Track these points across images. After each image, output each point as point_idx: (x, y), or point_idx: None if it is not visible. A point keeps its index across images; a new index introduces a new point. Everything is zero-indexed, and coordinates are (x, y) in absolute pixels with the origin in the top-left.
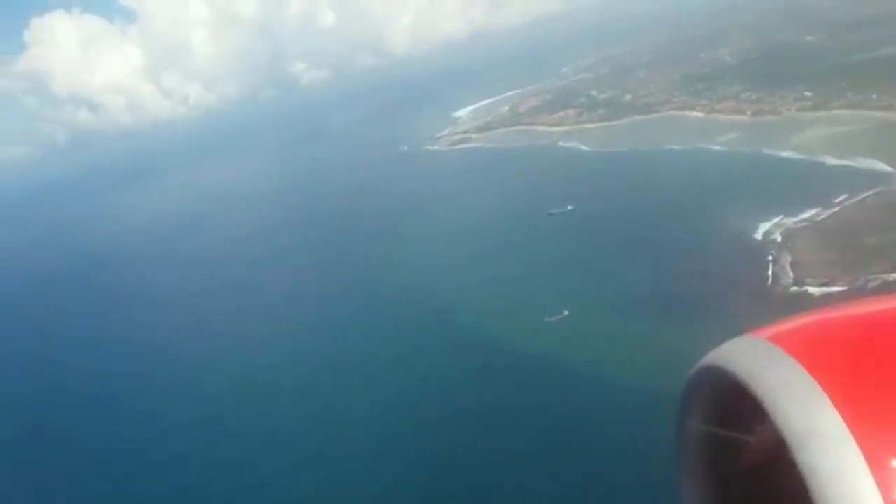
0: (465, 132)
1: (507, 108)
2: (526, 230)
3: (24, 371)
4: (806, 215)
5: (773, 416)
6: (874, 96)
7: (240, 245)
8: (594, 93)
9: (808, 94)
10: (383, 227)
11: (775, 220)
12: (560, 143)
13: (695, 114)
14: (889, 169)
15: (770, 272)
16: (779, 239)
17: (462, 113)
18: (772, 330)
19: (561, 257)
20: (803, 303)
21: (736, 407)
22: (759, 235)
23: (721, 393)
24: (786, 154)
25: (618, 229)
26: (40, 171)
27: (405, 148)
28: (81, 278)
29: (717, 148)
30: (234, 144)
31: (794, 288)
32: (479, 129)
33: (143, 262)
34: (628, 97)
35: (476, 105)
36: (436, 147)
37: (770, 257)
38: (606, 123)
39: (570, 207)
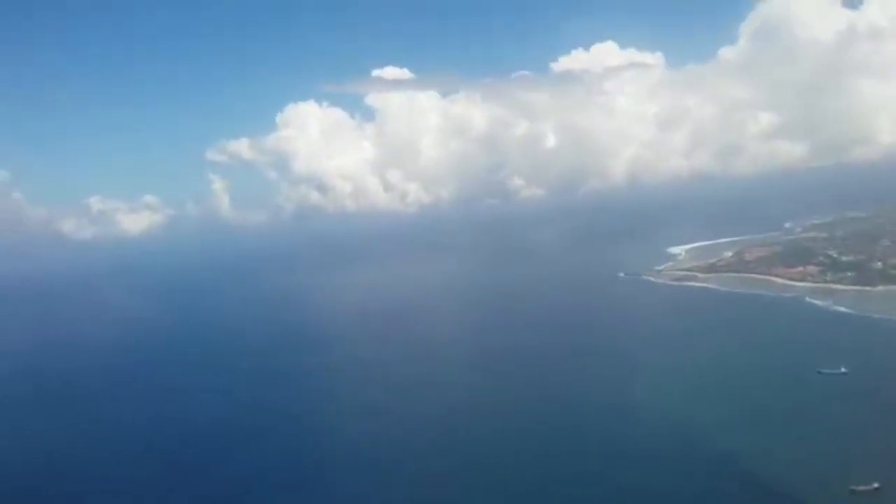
0: (689, 270)
1: (730, 253)
2: (796, 386)
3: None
4: None
5: None
6: None
7: (459, 346)
8: (833, 253)
9: None
10: (624, 357)
11: None
12: (808, 300)
13: None
14: None
15: None
16: None
17: (678, 250)
18: None
19: (848, 422)
20: None
21: None
22: None
23: None
24: None
25: None
26: (271, 237)
27: (622, 275)
28: (309, 344)
29: None
30: (446, 244)
31: None
32: (704, 270)
33: (355, 341)
34: (878, 264)
35: (692, 244)
36: (658, 280)
37: None
38: (859, 287)
39: (843, 370)
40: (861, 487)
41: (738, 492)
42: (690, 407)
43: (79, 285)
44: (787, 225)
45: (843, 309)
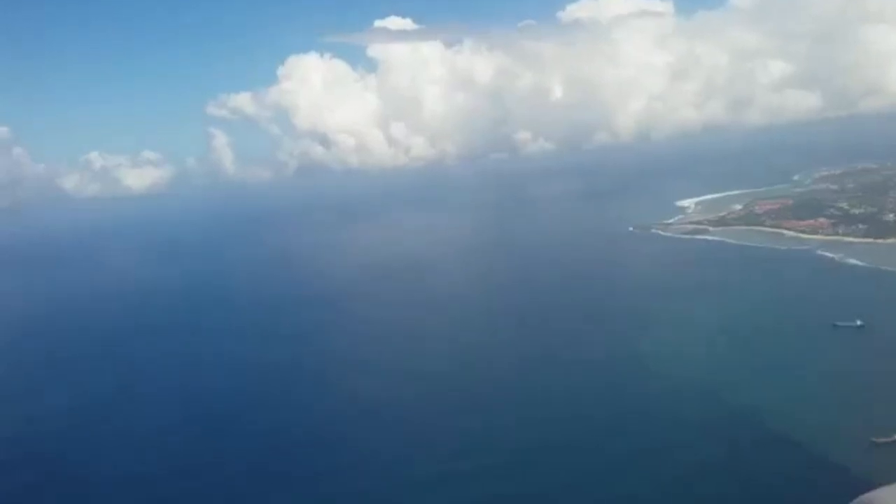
0: (699, 223)
1: (740, 205)
2: (812, 340)
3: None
4: None
5: None
6: None
7: (469, 303)
8: (844, 206)
9: None
10: (637, 313)
11: None
12: (819, 253)
13: None
14: None
15: None
16: None
17: (687, 203)
18: None
19: (867, 374)
20: None
21: None
22: None
23: None
24: None
25: None
26: (274, 193)
27: (631, 229)
28: (320, 301)
29: None
30: (453, 200)
31: None
32: (714, 223)
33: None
34: (890, 216)
35: (701, 197)
36: (667, 233)
37: None
38: (871, 240)
39: (859, 322)
40: (882, 439)
41: (759, 446)
42: (706, 362)
43: (83, 246)
44: (796, 177)
45: (855, 261)
